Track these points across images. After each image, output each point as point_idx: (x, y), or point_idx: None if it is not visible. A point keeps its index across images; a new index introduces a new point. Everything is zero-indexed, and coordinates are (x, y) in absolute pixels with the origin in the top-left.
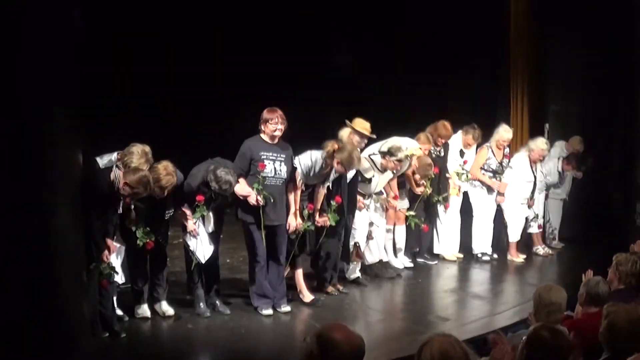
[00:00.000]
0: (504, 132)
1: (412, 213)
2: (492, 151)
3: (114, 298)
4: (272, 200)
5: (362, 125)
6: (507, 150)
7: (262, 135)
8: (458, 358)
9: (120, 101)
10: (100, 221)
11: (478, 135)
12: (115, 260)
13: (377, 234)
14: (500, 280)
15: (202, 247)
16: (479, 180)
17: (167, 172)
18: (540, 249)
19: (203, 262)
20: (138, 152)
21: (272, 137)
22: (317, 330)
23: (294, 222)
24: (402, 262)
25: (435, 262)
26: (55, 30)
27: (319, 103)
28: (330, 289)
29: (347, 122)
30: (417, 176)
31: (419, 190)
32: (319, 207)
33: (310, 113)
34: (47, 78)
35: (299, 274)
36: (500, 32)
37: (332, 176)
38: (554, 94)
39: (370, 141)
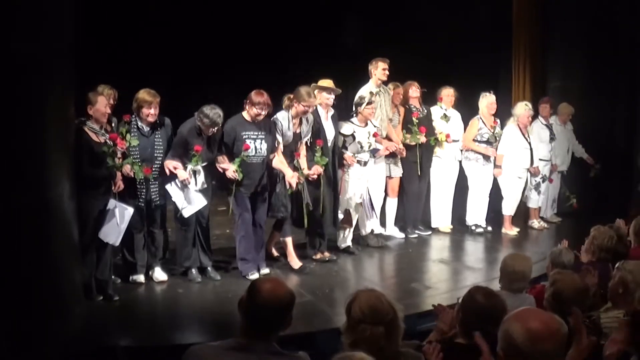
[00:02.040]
0: (486, 100)
1: None
2: (483, 121)
3: (110, 262)
4: (250, 178)
5: (326, 82)
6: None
7: (244, 114)
8: (386, 311)
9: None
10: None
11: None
12: (121, 223)
13: (370, 200)
14: (491, 251)
15: (186, 202)
16: (474, 151)
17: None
18: (536, 223)
19: (185, 216)
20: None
21: (254, 119)
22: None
23: (293, 178)
24: (393, 233)
25: (429, 232)
26: None
27: None
28: (318, 255)
29: (313, 83)
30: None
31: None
32: (304, 164)
33: None
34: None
35: (289, 241)
36: (503, 9)
37: (306, 128)
38: (554, 70)
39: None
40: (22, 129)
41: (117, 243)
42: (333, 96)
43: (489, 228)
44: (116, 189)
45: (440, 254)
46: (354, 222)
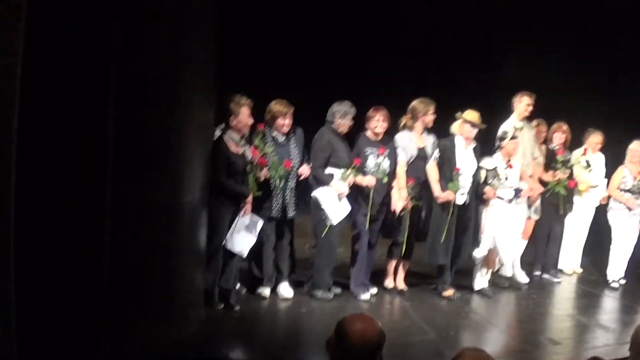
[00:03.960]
0: (635, 145)
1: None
2: (629, 169)
3: (236, 272)
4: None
5: (472, 115)
6: None
7: (366, 133)
8: None
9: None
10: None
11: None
12: (251, 234)
13: (508, 241)
14: (629, 312)
15: (336, 207)
16: (619, 201)
17: (278, 101)
18: None
19: (334, 223)
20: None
21: (375, 134)
22: (341, 319)
23: (399, 201)
24: (518, 275)
25: (560, 279)
26: None
27: None
28: (449, 292)
29: (458, 113)
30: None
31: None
32: (436, 184)
33: None
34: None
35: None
36: None
37: (431, 146)
38: None
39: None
40: (160, 131)
41: (245, 254)
42: (476, 130)
43: (622, 282)
44: (243, 212)
45: (571, 305)
46: (497, 263)
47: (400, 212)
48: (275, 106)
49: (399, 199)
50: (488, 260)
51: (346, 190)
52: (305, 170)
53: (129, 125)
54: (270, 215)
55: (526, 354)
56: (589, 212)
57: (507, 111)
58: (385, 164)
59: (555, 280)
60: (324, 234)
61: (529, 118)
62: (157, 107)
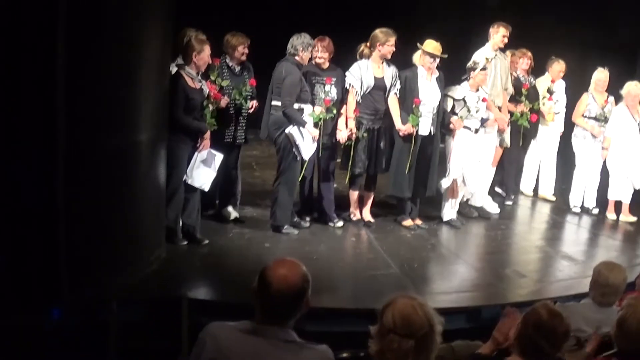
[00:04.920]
0: (596, 74)
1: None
2: (593, 97)
3: (199, 206)
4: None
5: (432, 45)
6: (611, 98)
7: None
8: (420, 324)
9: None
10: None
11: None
12: (210, 169)
13: (475, 169)
14: (594, 240)
15: (308, 144)
16: (582, 128)
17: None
18: None
19: (306, 159)
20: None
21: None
22: (265, 266)
23: (342, 133)
24: (486, 204)
25: (510, 202)
26: None
27: None
28: (407, 222)
29: (418, 44)
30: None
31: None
32: (397, 117)
33: None
34: None
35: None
36: None
37: (392, 77)
38: None
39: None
40: (115, 69)
41: (207, 188)
42: (436, 61)
43: (595, 211)
44: (201, 147)
45: (540, 236)
46: (460, 193)
47: (345, 142)
48: (234, 37)
49: (343, 130)
50: (453, 190)
51: (317, 134)
52: (255, 104)
53: (80, 65)
54: (224, 140)
55: (490, 288)
56: (554, 139)
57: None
58: (333, 92)
59: (507, 202)
60: (303, 170)
61: (502, 49)
62: (110, 46)
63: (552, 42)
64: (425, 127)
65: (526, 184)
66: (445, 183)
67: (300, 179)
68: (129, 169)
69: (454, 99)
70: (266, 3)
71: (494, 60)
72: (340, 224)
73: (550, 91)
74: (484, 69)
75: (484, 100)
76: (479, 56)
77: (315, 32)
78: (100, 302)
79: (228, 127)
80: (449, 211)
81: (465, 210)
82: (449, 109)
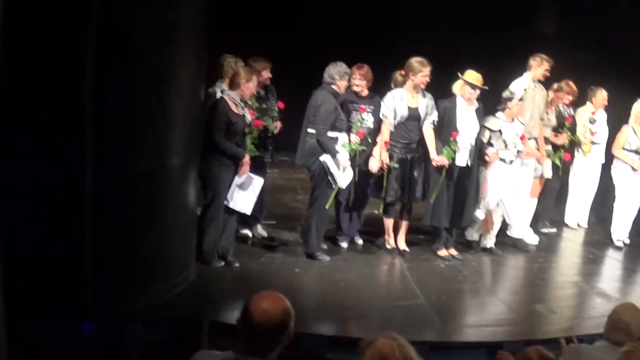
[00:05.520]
0: (636, 106)
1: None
2: (633, 129)
3: (235, 231)
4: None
5: (473, 76)
6: None
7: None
8: None
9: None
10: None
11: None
12: (252, 194)
13: (513, 201)
14: (631, 276)
15: (341, 172)
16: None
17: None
18: None
19: (343, 187)
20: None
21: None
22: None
23: (373, 163)
24: (525, 236)
25: (555, 229)
26: None
27: None
28: (442, 251)
29: (459, 74)
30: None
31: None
32: (432, 148)
33: None
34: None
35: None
36: None
37: (427, 107)
38: None
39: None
40: (145, 95)
41: (248, 212)
42: (477, 92)
43: (628, 241)
44: (241, 172)
45: (577, 271)
46: (497, 224)
47: (378, 172)
48: (257, 62)
49: (376, 159)
50: (488, 222)
51: (347, 164)
52: (279, 124)
53: (109, 90)
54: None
55: (517, 323)
56: (595, 169)
57: (515, 71)
58: (369, 120)
59: (551, 231)
60: (331, 197)
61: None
62: (139, 72)
63: (587, 72)
64: (463, 158)
65: (570, 216)
66: (480, 215)
67: (330, 204)
68: (159, 192)
69: (491, 130)
70: (295, 29)
71: (533, 91)
72: (344, 244)
73: (592, 121)
74: (521, 99)
75: (521, 137)
76: (516, 86)
77: (351, 60)
78: (124, 321)
79: (259, 149)
80: (487, 241)
81: (505, 241)
82: (485, 141)
